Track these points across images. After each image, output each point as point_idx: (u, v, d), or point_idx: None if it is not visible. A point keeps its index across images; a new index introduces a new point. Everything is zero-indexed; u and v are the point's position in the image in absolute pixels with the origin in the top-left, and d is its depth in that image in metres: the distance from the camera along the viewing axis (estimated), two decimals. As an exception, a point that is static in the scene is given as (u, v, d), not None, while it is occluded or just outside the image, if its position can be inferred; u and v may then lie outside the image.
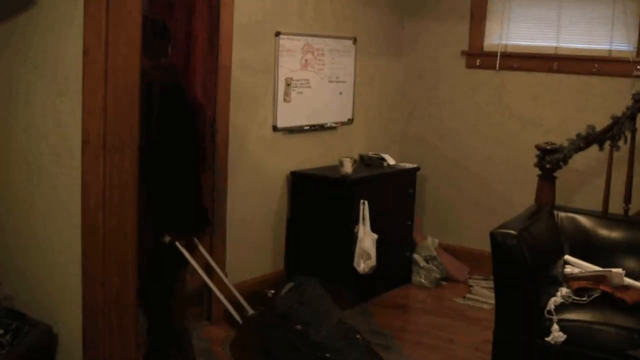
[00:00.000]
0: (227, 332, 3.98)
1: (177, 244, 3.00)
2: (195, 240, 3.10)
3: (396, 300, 4.86)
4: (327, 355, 2.67)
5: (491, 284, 4.09)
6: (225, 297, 3.45)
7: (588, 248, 3.66)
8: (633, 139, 4.23)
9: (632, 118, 4.16)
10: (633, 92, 4.19)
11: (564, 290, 3.32)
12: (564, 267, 3.56)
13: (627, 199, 4.27)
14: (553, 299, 3.25)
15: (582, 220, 3.78)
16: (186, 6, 4.02)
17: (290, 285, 2.86)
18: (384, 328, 4.31)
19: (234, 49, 4.21)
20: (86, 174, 2.63)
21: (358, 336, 2.90)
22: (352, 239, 4.53)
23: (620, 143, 4.21)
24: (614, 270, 3.29)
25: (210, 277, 3.34)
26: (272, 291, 2.87)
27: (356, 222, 4.55)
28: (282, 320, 2.71)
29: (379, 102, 5.55)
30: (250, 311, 2.95)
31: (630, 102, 4.16)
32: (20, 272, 2.89)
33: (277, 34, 4.56)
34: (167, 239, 3.02)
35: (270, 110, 4.60)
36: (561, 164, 4.33)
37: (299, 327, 2.69)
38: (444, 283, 5.15)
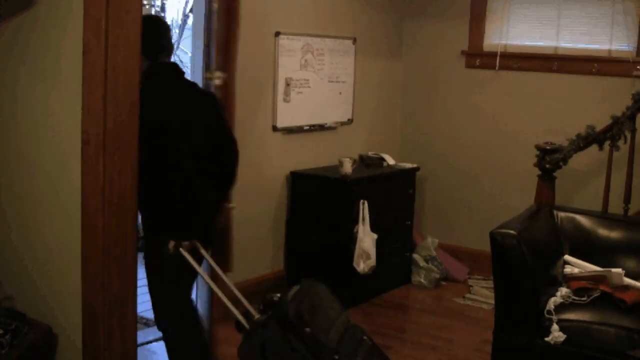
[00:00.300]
0: (226, 332, 3.98)
1: (182, 250, 2.99)
2: (197, 243, 3.08)
3: (396, 300, 4.86)
4: (337, 357, 2.66)
5: (491, 284, 4.09)
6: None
7: (588, 248, 3.67)
8: (633, 139, 4.23)
9: (632, 118, 4.16)
10: (633, 92, 4.19)
11: (563, 290, 3.32)
12: (564, 267, 3.56)
13: (627, 199, 4.28)
14: (553, 299, 3.25)
15: (582, 220, 3.78)
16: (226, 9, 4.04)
17: (296, 288, 2.85)
18: (384, 328, 4.32)
19: (233, 49, 4.21)
20: (86, 174, 2.63)
21: (365, 337, 2.90)
22: (352, 238, 4.53)
23: (620, 143, 4.22)
24: (614, 270, 3.29)
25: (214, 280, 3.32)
26: (278, 295, 2.86)
27: (356, 222, 4.55)
28: (291, 324, 2.70)
29: (379, 102, 5.55)
30: (257, 316, 2.93)
31: (630, 102, 4.17)
32: (20, 272, 2.89)
33: (277, 34, 4.56)
34: (172, 244, 3.00)
35: (270, 110, 4.60)
36: (561, 164, 4.34)
37: (308, 330, 2.68)
38: (443, 283, 5.15)
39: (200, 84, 4.19)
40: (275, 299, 2.84)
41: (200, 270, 3.00)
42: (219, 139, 3.24)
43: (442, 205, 5.62)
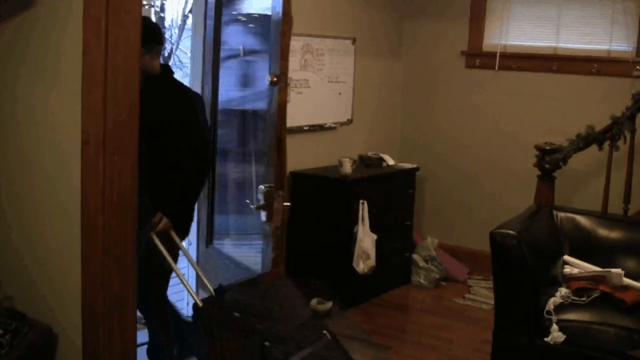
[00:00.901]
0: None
1: (153, 235, 3.01)
2: (172, 231, 3.10)
3: (396, 301, 4.86)
4: (267, 344, 2.68)
5: (491, 284, 4.09)
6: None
7: (588, 248, 3.67)
8: (632, 139, 4.24)
9: (632, 118, 4.16)
10: (633, 92, 4.19)
11: (563, 291, 3.33)
12: (564, 267, 3.56)
13: (627, 199, 4.28)
14: (552, 299, 3.25)
15: (582, 220, 3.78)
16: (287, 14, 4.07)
17: (251, 277, 2.92)
18: (384, 328, 4.32)
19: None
20: (86, 175, 2.63)
21: (325, 331, 2.91)
22: (352, 239, 4.53)
23: (620, 143, 4.22)
24: (614, 270, 3.29)
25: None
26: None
27: (355, 222, 4.55)
28: (225, 308, 2.75)
29: (379, 102, 5.55)
30: None
31: (630, 102, 4.17)
32: (20, 272, 2.88)
33: (277, 34, 4.56)
34: (157, 217, 3.02)
35: (270, 110, 4.59)
36: (561, 164, 4.34)
37: (236, 315, 2.73)
38: (443, 283, 5.15)
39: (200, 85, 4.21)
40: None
41: (167, 254, 3.03)
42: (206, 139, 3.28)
43: (442, 205, 5.62)
